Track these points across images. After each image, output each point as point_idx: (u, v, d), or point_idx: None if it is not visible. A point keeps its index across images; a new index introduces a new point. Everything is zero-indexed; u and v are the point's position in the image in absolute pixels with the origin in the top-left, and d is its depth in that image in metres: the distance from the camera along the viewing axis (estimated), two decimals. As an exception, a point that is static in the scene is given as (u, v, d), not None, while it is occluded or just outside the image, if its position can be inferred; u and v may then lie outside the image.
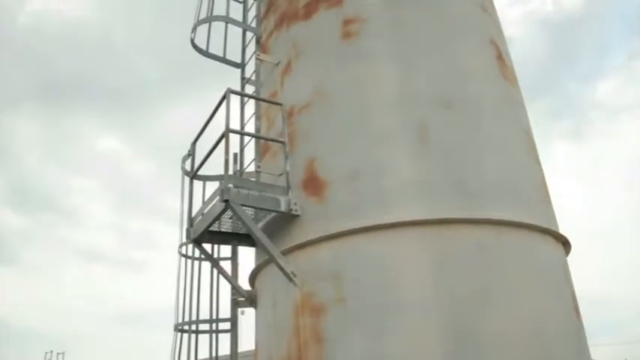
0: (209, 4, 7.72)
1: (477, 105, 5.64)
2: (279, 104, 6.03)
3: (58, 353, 28.11)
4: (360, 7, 6.13)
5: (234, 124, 6.23)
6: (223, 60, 7.81)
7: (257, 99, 6.66)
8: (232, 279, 6.50)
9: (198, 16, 7.66)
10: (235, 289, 6.34)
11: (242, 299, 6.35)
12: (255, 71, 7.03)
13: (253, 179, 5.96)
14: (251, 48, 7.49)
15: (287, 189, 5.46)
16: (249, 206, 5.25)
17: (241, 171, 6.50)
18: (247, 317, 6.67)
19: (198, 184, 7.39)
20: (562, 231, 5.67)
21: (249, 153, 6.53)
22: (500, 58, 6.33)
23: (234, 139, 6.33)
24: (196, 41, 7.76)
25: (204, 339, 6.74)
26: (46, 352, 28.34)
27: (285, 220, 5.51)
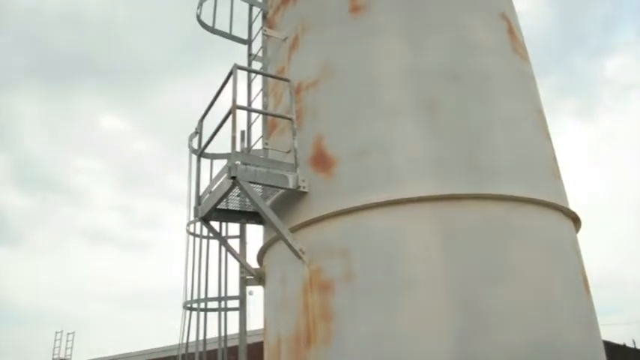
0: (215, -22, 7.60)
1: (487, 79, 5.55)
2: (287, 80, 5.95)
3: (68, 333, 28.46)
4: (369, -20, 6.00)
5: (242, 101, 6.17)
6: (230, 36, 7.70)
7: (264, 75, 6.58)
8: (240, 257, 6.49)
9: (204, -9, 7.55)
10: (244, 267, 6.33)
11: (250, 277, 6.34)
12: (262, 47, 6.94)
13: (261, 156, 5.91)
14: (258, 24, 7.39)
15: (295, 166, 5.40)
16: (256, 183, 5.21)
17: (249, 148, 6.45)
18: (256, 295, 6.68)
19: (205, 162, 7.36)
20: (572, 207, 5.60)
21: (257, 130, 6.48)
22: (512, 32, 6.21)
23: (242, 116, 6.27)
24: (202, 17, 7.66)
25: (213, 317, 6.77)
26: (57, 332, 28.70)
27: (294, 197, 5.47)
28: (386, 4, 5.83)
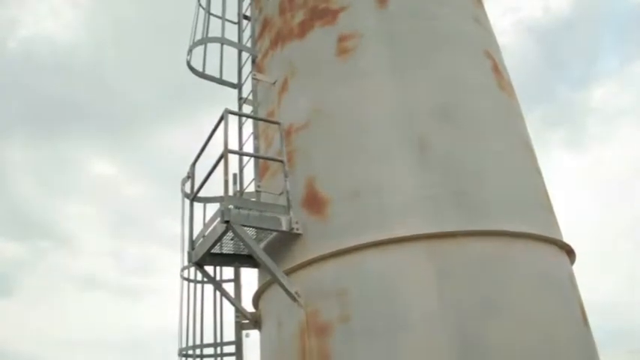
0: (204, 26, 7.75)
1: (475, 117, 5.62)
2: (277, 123, 6.01)
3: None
4: (355, 23, 6.14)
5: (233, 145, 6.21)
6: (220, 81, 7.80)
7: (255, 118, 6.65)
8: (236, 301, 6.42)
9: (194, 38, 7.68)
10: (239, 312, 6.26)
11: (246, 321, 6.27)
12: (252, 91, 7.03)
13: (254, 199, 5.91)
14: (247, 68, 7.52)
15: (288, 208, 5.41)
16: (250, 226, 5.20)
17: (241, 191, 6.46)
18: (252, 340, 6.58)
19: (198, 207, 7.33)
20: (566, 240, 5.61)
21: (249, 173, 6.51)
22: (497, 69, 6.33)
23: (234, 159, 6.31)
24: (192, 62, 7.77)
25: (209, 364, 6.64)
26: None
27: (287, 240, 5.45)
28: (372, 46, 5.95)
